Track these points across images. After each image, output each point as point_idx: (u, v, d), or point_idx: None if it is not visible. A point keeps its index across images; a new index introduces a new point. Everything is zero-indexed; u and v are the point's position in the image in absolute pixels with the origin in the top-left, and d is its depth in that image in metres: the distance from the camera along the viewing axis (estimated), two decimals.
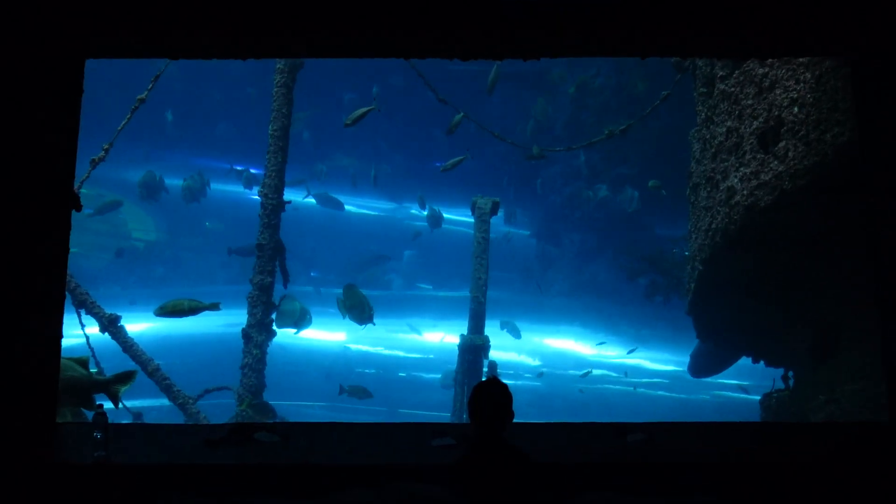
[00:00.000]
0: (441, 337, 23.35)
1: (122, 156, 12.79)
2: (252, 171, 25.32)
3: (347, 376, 19.71)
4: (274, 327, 11.44)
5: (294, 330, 14.22)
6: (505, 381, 5.01)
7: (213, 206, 26.73)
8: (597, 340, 24.12)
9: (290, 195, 11.77)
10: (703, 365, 15.44)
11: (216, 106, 26.66)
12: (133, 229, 27.80)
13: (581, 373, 21.61)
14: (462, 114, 14.73)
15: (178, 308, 11.19)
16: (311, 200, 24.64)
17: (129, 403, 10.12)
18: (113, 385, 7.51)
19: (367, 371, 22.79)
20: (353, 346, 23.83)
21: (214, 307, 11.17)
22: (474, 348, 12.89)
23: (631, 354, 22.59)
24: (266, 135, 11.69)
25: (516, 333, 21.65)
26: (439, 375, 20.51)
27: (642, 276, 20.98)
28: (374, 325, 13.68)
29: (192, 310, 11.17)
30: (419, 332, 24.06)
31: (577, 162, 24.18)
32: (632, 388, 22.54)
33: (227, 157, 26.81)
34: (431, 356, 23.40)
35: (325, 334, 23.81)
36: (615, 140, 14.18)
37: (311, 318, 14.50)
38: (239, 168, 25.36)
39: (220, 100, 26.55)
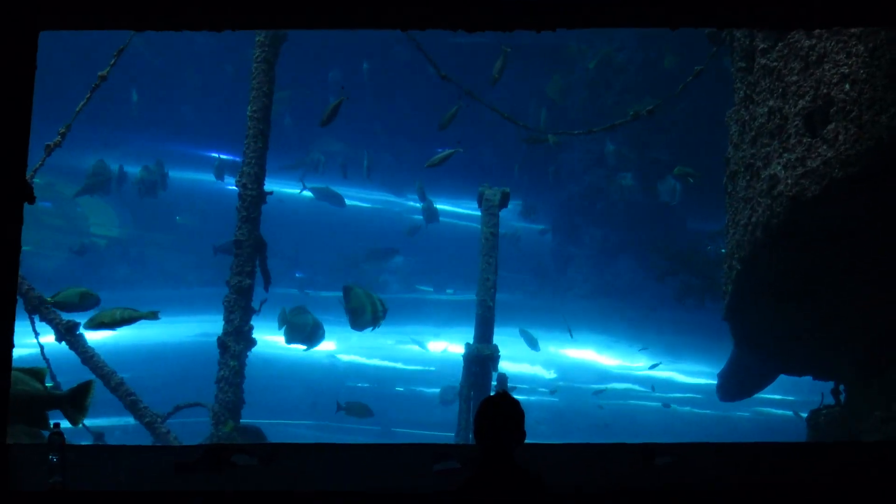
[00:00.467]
0: (444, 347, 23.37)
1: (80, 141, 12.79)
2: (223, 157, 25.35)
3: (338, 391, 19.74)
4: (286, 342, 11.53)
5: (305, 346, 14.30)
6: (516, 396, 5.01)
7: (185, 198, 26.75)
8: (619, 349, 24.14)
9: (277, 185, 11.80)
10: (735, 385, 15.08)
11: (188, 85, 26.68)
12: (93, 224, 27.82)
13: (597, 388, 21.62)
14: (457, 107, 14.84)
15: (110, 319, 11.20)
16: (309, 194, 24.66)
17: (89, 422, 10.14)
18: (71, 400, 7.52)
19: (359, 385, 22.82)
20: (344, 357, 23.84)
21: (152, 316, 11.19)
22: (482, 359, 12.89)
23: (655, 368, 22.57)
24: (244, 117, 11.71)
25: (534, 345, 21.63)
26: (438, 389, 20.58)
27: (673, 276, 20.98)
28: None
29: (126, 320, 11.19)
30: (423, 346, 24.13)
31: (598, 148, 24.15)
32: (662, 405, 22.55)
33: (200, 142, 26.82)
34: (433, 368, 23.42)
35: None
36: (641, 122, 14.17)
37: (324, 333, 14.56)
38: (225, 157, 25.39)
39: (192, 78, 26.57)
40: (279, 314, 14.66)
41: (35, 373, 7.73)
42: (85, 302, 11.92)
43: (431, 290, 26.97)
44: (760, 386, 14.93)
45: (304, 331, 14.09)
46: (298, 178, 24.09)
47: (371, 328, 13.64)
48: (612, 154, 23.93)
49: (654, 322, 23.55)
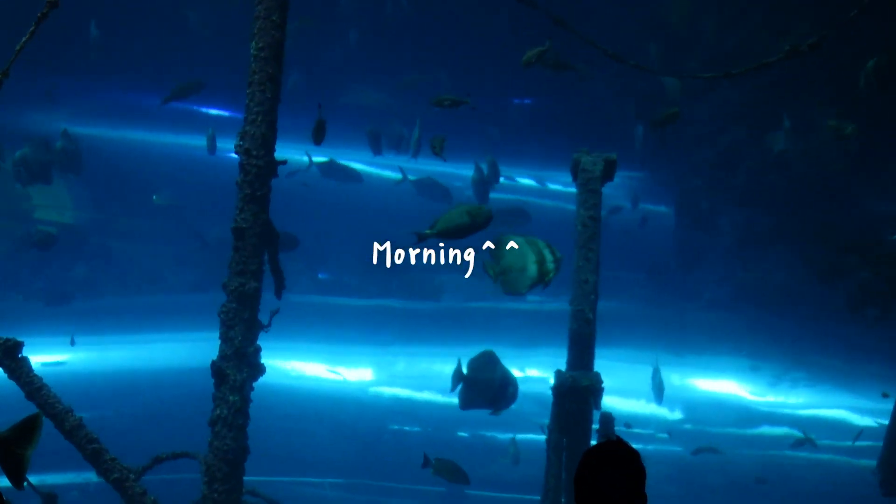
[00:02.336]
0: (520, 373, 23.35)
1: (18, 92, 12.90)
2: (223, 113, 25.53)
3: (378, 437, 19.85)
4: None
5: (492, 411, 14.37)
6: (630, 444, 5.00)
7: (164, 170, 26.98)
8: (768, 378, 24.00)
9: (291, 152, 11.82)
10: None
11: (168, 15, 26.87)
12: (40, 206, 28.14)
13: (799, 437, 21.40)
14: (547, 44, 14.73)
15: None
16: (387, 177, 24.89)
17: (34, 478, 10.22)
18: (11, 445, 7.54)
19: (407, 429, 22.88)
20: (385, 390, 23.95)
21: None
22: (578, 392, 12.81)
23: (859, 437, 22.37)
24: (246, 58, 11.73)
25: (659, 395, 21.38)
26: (522, 435, 20.56)
27: (845, 276, 20.77)
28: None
29: None
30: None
31: (739, 97, 23.96)
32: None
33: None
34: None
35: (340, 370, 23.93)
36: (802, 60, 14.00)
37: (517, 391, 14.64)
38: (224, 115, 25.64)
39: (173, 5, 26.76)
40: (455, 369, 14.81)
41: None
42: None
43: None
44: None
45: (490, 389, 14.10)
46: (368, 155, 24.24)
47: (541, 287, 13.35)
48: (671, 87, 23.66)
49: (818, 340, 23.36)
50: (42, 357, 11.71)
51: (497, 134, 25.35)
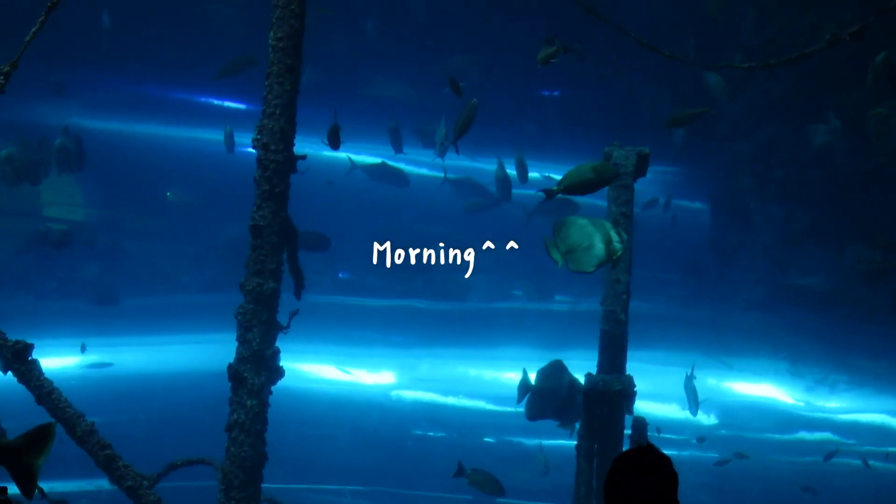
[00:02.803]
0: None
1: (29, 85, 12.93)
2: (240, 106, 25.57)
3: (401, 443, 19.82)
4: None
5: (560, 423, 14.36)
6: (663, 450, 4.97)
7: (179, 165, 27.04)
8: (808, 381, 23.93)
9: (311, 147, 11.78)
10: None
11: (184, 2, 26.93)
12: (50, 204, 28.22)
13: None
14: (578, 47, 14.69)
15: None
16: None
17: (47, 486, 10.24)
18: (22, 453, 7.52)
19: (431, 434, 22.87)
20: (407, 394, 23.95)
21: None
22: (610, 397, 12.77)
23: None
24: (264, 48, 11.71)
25: (694, 406, 21.22)
26: (552, 441, 20.48)
27: (889, 276, 20.68)
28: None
29: None
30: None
31: (778, 87, 23.89)
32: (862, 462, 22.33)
33: (201, 86, 27.06)
34: None
35: (361, 374, 23.94)
36: (843, 48, 13.92)
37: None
38: (242, 107, 25.64)
39: None
40: (522, 379, 14.81)
41: None
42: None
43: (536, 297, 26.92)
44: None
45: (557, 398, 14.07)
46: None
47: (609, 265, 13.30)
48: (712, 85, 23.53)
49: (863, 343, 23.27)
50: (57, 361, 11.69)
51: (534, 129, 25.28)
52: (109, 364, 22.24)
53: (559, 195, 12.28)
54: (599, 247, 12.53)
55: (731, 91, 21.95)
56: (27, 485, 7.46)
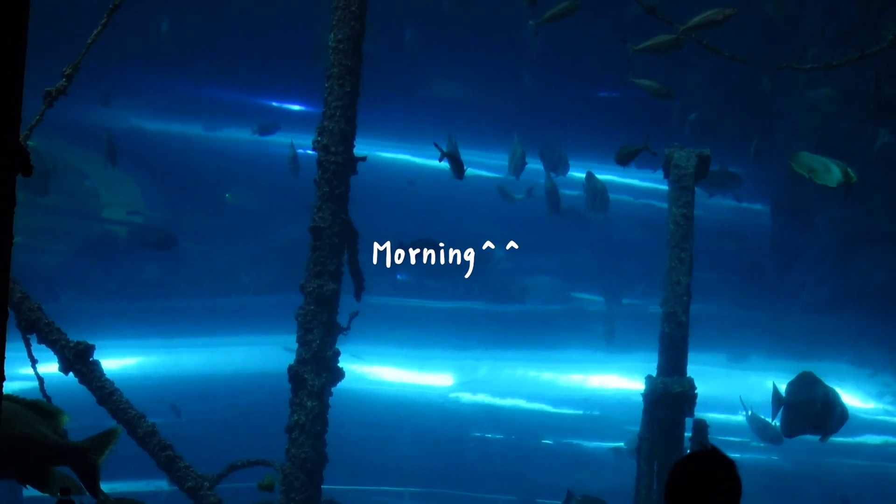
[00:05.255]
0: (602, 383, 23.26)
1: (90, 87, 13.02)
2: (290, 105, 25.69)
3: (460, 445, 19.76)
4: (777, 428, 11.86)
5: (820, 436, 14.48)
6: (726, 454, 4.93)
7: (239, 167, 27.15)
8: (874, 384, 23.69)
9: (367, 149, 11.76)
10: None
11: (241, 7, 27.03)
12: (109, 205, 28.37)
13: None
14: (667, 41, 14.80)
15: None
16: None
17: (106, 486, 10.30)
18: (87, 453, 7.53)
19: (489, 436, 22.83)
20: (466, 396, 23.92)
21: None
22: (671, 399, 12.71)
23: None
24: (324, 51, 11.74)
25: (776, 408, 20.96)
26: (611, 444, 20.43)
27: None
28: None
29: None
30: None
31: (838, 87, 23.65)
32: None
33: (261, 88, 27.17)
34: (597, 412, 23.27)
35: (420, 376, 23.91)
36: None
37: (845, 413, 15.03)
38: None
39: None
40: (773, 393, 14.95)
41: (41, 409, 7.72)
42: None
43: (602, 299, 26.80)
44: None
45: (812, 412, 14.17)
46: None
47: (845, 192, 14.32)
48: (821, 98, 23.40)
49: None
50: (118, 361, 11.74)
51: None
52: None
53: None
54: (836, 170, 14.35)
55: (843, 100, 21.91)
56: (92, 483, 7.50)
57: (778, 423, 15.22)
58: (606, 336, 22.92)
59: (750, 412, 19.93)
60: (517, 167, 22.17)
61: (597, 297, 26.66)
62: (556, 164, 24.14)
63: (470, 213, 26.54)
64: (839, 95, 20.46)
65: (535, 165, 23.83)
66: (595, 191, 22.95)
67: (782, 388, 14.85)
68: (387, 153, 26.51)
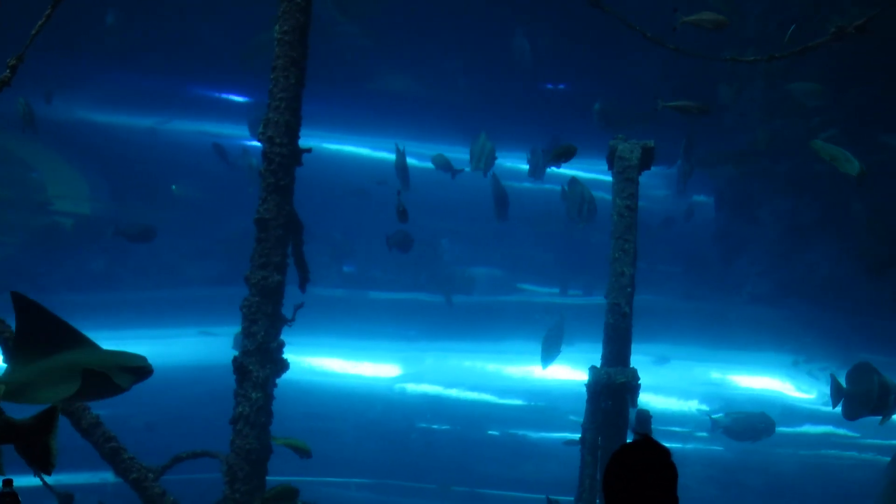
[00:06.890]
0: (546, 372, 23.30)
1: (32, 77, 12.92)
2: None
3: (406, 436, 19.76)
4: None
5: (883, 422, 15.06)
6: (666, 444, 4.97)
7: (185, 159, 27.01)
8: (811, 375, 23.89)
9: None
10: None
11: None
12: (55, 197, 28.18)
13: None
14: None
15: None
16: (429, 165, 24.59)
17: (52, 479, 10.24)
18: (33, 434, 7.44)
19: (435, 427, 22.85)
20: (412, 387, 23.93)
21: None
22: (614, 389, 12.76)
23: None
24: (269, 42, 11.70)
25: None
26: (556, 434, 20.42)
27: (894, 269, 20.65)
28: None
29: None
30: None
31: (783, 81, 23.79)
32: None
33: (208, 80, 27.05)
34: (542, 403, 23.34)
35: (366, 367, 23.90)
36: (850, 43, 13.85)
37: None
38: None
39: None
40: (832, 384, 15.76)
41: None
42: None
43: (556, 291, 26.89)
44: None
45: (870, 399, 14.59)
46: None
47: (858, 181, 15.78)
48: (804, 92, 23.51)
49: (867, 337, 23.19)
50: None
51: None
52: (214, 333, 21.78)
53: None
54: (855, 161, 15.53)
55: (826, 93, 22.11)
56: (45, 462, 7.42)
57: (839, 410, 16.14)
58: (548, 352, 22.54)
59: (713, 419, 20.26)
60: (487, 162, 21.97)
61: (542, 288, 26.80)
62: (535, 169, 23.91)
63: (417, 205, 26.51)
64: (823, 89, 20.64)
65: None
66: (581, 199, 21.86)
67: (841, 378, 15.90)
68: (333, 144, 26.44)
